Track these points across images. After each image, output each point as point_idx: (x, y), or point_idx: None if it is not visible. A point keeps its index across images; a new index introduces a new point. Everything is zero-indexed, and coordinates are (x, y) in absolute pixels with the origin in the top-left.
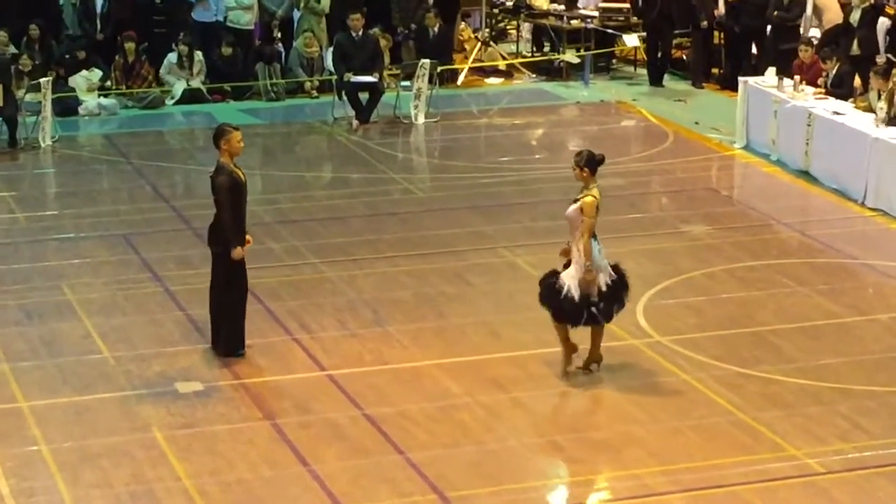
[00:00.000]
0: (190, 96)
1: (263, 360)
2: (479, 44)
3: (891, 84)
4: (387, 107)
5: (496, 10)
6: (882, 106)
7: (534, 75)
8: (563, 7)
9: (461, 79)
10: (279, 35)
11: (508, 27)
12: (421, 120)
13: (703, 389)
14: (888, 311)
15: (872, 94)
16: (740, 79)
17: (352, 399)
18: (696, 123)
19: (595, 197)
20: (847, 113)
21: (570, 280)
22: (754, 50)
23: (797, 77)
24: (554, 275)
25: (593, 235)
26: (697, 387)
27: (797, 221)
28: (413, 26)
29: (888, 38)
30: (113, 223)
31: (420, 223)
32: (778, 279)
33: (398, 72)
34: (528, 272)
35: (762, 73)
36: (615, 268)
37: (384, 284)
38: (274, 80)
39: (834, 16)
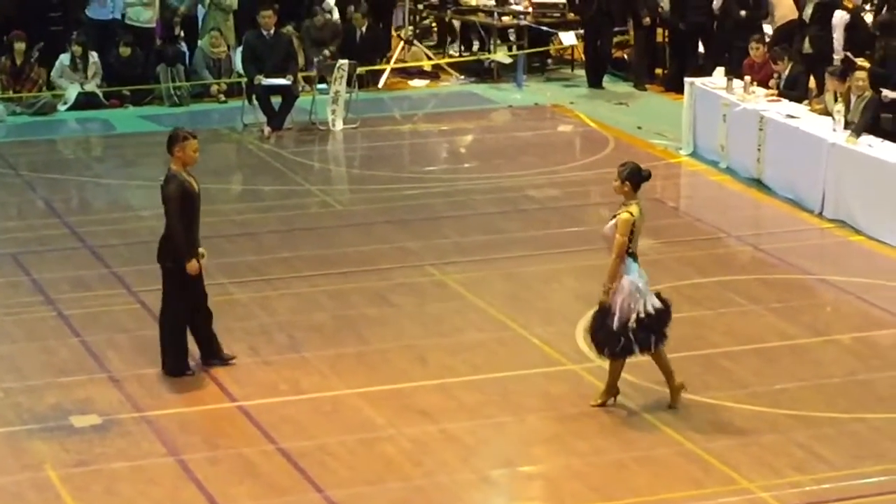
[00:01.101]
0: (85, 101)
1: (167, 390)
2: (402, 43)
3: (847, 85)
4: (302, 112)
5: (420, 6)
6: (839, 109)
7: (462, 77)
8: (493, 2)
9: (383, 81)
10: (182, 34)
11: (433, 24)
12: (339, 126)
13: (648, 418)
14: (848, 331)
15: (828, 97)
16: (686, 80)
17: (265, 432)
18: (639, 128)
19: (632, 214)
20: (802, 116)
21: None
22: (701, 48)
23: (747, 78)
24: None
25: (633, 256)
26: (642, 415)
27: (749, 234)
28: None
29: (846, 34)
30: (0, 241)
31: (339, 239)
32: (728, 297)
33: (314, 74)
34: (457, 291)
35: (709, 74)
36: (658, 296)
37: (300, 306)
38: (177, 83)
39: (787, 11)
